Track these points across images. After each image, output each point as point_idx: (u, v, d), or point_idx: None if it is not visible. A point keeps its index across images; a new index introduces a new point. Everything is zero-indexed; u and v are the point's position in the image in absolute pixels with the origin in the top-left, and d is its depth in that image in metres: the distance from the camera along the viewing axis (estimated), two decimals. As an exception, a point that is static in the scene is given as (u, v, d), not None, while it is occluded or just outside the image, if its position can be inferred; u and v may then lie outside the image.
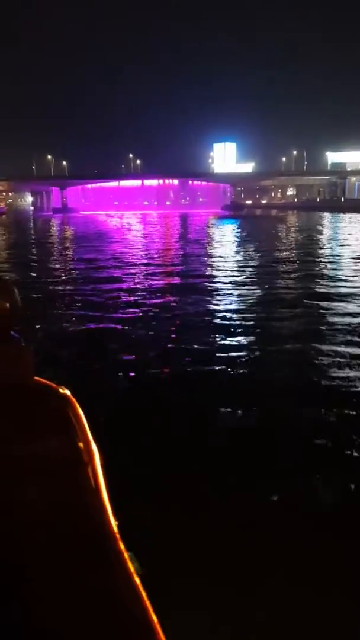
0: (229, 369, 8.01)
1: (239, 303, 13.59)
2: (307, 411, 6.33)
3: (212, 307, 13.33)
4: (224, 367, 8.03)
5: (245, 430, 5.84)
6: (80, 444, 1.16)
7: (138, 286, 16.63)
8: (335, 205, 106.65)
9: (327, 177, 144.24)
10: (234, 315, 11.97)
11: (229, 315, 12.03)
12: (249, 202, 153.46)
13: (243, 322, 11.28)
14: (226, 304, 13.44)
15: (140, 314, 12.24)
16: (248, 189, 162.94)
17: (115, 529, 1.01)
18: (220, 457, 5.14)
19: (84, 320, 11.76)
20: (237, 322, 11.26)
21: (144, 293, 15.17)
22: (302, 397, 6.87)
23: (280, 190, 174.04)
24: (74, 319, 11.95)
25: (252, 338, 10.04)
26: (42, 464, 1.10)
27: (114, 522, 1.02)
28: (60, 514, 1.02)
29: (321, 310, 12.28)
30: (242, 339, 9.91)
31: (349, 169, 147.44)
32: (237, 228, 54.09)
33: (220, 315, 12.20)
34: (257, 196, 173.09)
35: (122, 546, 0.97)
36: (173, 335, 10.27)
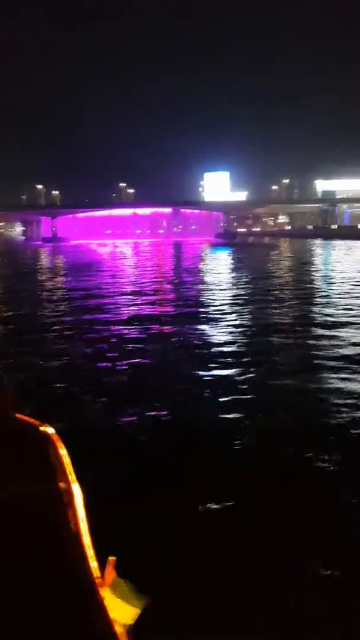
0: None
1: (234, 334, 12.98)
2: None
3: (206, 337, 12.90)
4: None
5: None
6: (61, 484, 1.13)
7: (128, 317, 15.97)
8: (327, 232, 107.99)
9: (317, 205, 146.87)
10: (229, 346, 11.41)
11: (223, 345, 11.45)
12: (241, 230, 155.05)
13: (239, 353, 10.97)
14: (221, 334, 12.88)
15: (132, 348, 11.59)
16: (240, 217, 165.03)
17: (96, 576, 0.98)
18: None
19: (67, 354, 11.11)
20: (232, 352, 10.80)
21: (139, 325, 14.57)
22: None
23: (272, 218, 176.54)
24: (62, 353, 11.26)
25: (247, 369, 9.71)
26: (18, 507, 1.07)
27: (95, 569, 0.99)
28: (37, 561, 0.98)
29: (313, 341, 11.99)
30: (238, 370, 9.40)
31: (338, 197, 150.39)
32: (231, 256, 54.06)
33: (215, 345, 11.82)
34: (250, 224, 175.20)
35: (101, 596, 0.93)
36: (158, 379, 9.56)
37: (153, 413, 7.60)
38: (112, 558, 1.07)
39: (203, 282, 27.31)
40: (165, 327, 14.71)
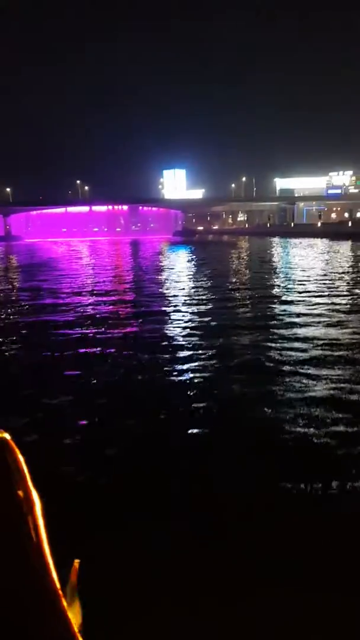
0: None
1: (191, 334, 12.15)
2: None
3: (161, 338, 12.25)
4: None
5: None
6: (20, 492, 1.11)
7: (85, 319, 14.86)
8: (285, 230, 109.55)
9: (276, 203, 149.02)
10: (185, 346, 10.63)
11: (179, 346, 10.66)
12: (200, 227, 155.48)
13: (195, 353, 10.45)
14: (178, 334, 12.06)
15: (94, 350, 10.54)
16: (199, 215, 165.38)
17: (57, 585, 0.98)
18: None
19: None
20: (188, 352, 10.10)
21: (94, 326, 13.55)
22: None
23: (231, 216, 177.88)
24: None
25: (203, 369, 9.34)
26: None
27: (55, 578, 1.00)
28: None
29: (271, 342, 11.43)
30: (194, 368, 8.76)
31: (296, 195, 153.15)
32: (190, 254, 53.40)
33: (170, 345, 11.26)
34: (209, 222, 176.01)
35: (64, 603, 0.94)
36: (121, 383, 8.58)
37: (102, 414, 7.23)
38: (77, 561, 1.07)
39: (160, 282, 26.45)
40: (122, 328, 13.98)
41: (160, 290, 22.81)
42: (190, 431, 6.69)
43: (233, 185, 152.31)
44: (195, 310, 16.53)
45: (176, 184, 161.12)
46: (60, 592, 0.97)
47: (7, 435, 1.16)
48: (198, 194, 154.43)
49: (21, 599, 0.94)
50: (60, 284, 26.29)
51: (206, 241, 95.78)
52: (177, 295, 20.55)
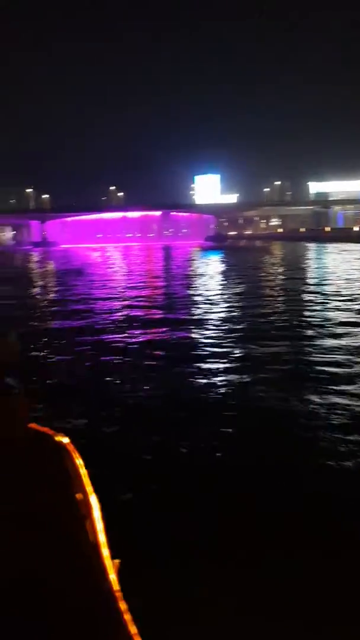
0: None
1: (223, 339, 12.31)
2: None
3: (191, 344, 12.23)
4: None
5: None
6: (79, 496, 1.13)
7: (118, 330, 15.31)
8: (320, 235, 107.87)
9: (310, 207, 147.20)
10: (215, 352, 10.72)
11: (209, 354, 10.78)
12: (232, 233, 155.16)
13: (226, 359, 10.12)
14: (208, 339, 12.22)
15: (122, 359, 10.91)
16: (232, 219, 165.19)
17: (116, 586, 0.97)
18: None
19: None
20: (219, 359, 10.09)
21: (127, 331, 13.94)
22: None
23: (264, 221, 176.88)
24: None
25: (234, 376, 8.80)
26: (38, 520, 1.08)
27: (113, 579, 0.99)
28: (58, 573, 0.99)
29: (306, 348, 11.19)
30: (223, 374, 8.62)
31: (331, 199, 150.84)
32: (222, 260, 53.53)
33: (200, 351, 11.08)
34: (241, 227, 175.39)
35: (121, 605, 0.94)
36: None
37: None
38: (116, 561, 1.07)
39: (190, 288, 26.73)
40: (151, 334, 14.27)
41: (190, 296, 23.01)
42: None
43: (266, 189, 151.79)
44: (226, 317, 16.57)
45: (210, 189, 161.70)
46: (118, 593, 0.95)
47: (65, 440, 1.30)
48: (232, 198, 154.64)
49: (79, 600, 0.92)
50: (93, 290, 26.83)
51: (238, 247, 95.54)
52: (207, 302, 20.73)
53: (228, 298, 21.77)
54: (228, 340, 13.04)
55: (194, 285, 28.21)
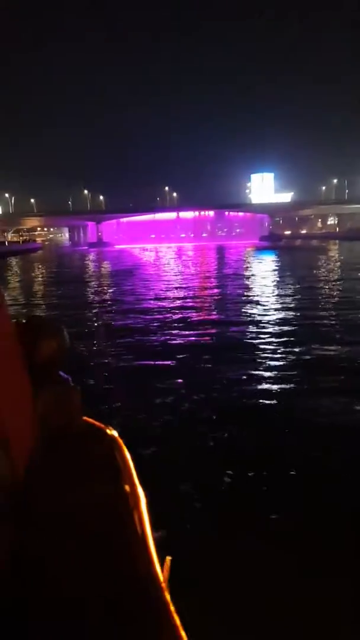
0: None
1: (281, 344, 12.11)
2: None
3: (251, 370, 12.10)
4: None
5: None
6: (127, 487, 1.16)
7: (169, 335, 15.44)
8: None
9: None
10: (272, 356, 10.53)
11: (268, 357, 10.61)
12: (287, 232, 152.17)
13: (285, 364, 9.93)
14: (266, 342, 12.04)
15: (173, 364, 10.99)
16: (286, 219, 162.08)
17: (161, 577, 0.99)
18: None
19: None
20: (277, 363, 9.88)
21: (184, 331, 14.08)
22: None
23: (320, 220, 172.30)
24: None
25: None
26: (90, 511, 1.12)
27: (159, 571, 1.01)
28: (107, 563, 1.01)
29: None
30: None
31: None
32: (276, 261, 52.67)
33: (258, 353, 10.92)
34: (296, 226, 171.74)
35: (167, 597, 0.96)
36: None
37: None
38: (168, 558, 1.09)
39: (243, 290, 26.50)
40: (200, 336, 14.31)
41: (243, 298, 22.80)
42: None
43: (323, 187, 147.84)
44: (280, 320, 16.33)
45: (263, 188, 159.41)
46: (163, 584, 0.97)
47: (115, 433, 1.34)
48: (286, 197, 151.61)
49: (126, 590, 0.94)
50: (146, 290, 27.14)
51: (293, 246, 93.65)
52: (260, 303, 20.51)
53: (281, 300, 21.39)
54: (281, 343, 12.83)
55: (246, 287, 27.91)
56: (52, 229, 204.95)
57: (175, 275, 38.57)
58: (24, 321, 1.57)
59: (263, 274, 36.59)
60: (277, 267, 43.23)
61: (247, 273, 38.37)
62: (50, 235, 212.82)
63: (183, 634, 0.89)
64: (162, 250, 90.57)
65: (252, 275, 36.19)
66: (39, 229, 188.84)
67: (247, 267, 44.81)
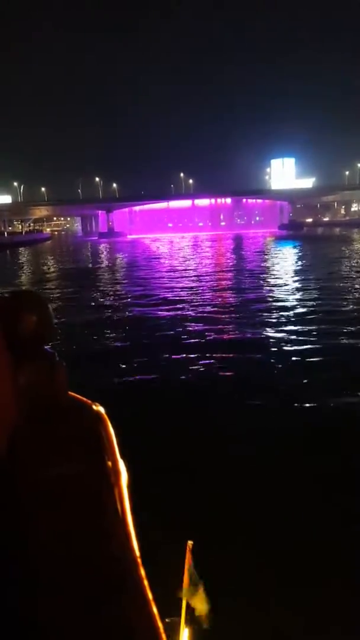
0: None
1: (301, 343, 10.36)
2: None
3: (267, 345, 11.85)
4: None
5: None
6: (109, 463, 1.22)
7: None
8: None
9: None
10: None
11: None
12: (309, 220, 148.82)
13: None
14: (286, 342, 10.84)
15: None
16: (308, 205, 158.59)
17: (137, 553, 1.05)
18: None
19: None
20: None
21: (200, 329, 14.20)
22: None
23: (344, 207, 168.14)
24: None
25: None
26: (72, 486, 1.16)
27: (136, 547, 1.06)
28: (84, 538, 1.06)
29: None
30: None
31: None
32: (297, 252, 50.37)
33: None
34: (319, 213, 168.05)
35: (142, 572, 1.01)
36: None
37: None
38: (190, 542, 1.12)
39: (262, 288, 25.05)
40: (216, 333, 14.31)
41: (262, 296, 21.41)
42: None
43: (347, 172, 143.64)
44: (300, 319, 15.67)
45: (284, 173, 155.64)
46: (139, 560, 1.03)
47: (101, 409, 1.35)
48: (308, 183, 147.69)
49: (102, 566, 1.00)
50: (161, 285, 26.67)
51: (315, 235, 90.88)
52: (280, 300, 19.51)
53: (303, 298, 19.86)
54: (303, 341, 12.43)
55: (266, 284, 26.10)
56: (68, 219, 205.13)
57: (192, 271, 36.53)
58: (6, 295, 1.56)
59: (283, 269, 34.52)
60: (297, 261, 40.97)
61: (266, 268, 36.35)
62: (67, 225, 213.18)
63: (155, 610, 0.92)
64: (177, 241, 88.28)
65: (271, 271, 34.20)
66: (55, 218, 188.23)
67: (266, 261, 42.61)
